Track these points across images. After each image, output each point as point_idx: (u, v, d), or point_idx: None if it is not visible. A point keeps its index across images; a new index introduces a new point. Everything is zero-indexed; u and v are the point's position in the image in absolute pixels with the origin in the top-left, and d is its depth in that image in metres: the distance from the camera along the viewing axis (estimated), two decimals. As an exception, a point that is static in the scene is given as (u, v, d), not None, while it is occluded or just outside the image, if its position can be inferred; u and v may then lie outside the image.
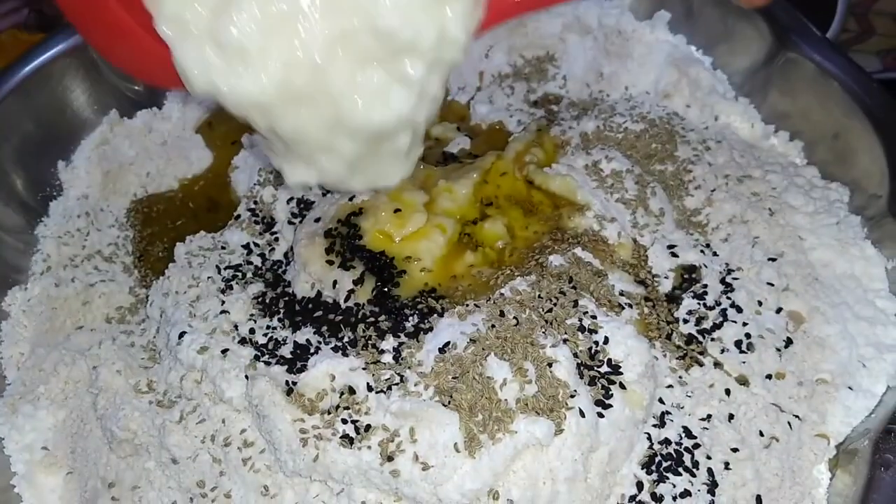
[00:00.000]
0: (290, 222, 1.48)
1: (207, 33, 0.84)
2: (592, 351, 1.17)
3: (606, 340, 1.18)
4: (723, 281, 1.36)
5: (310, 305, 1.31)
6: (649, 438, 1.17)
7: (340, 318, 1.27)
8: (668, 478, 1.14)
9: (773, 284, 1.36)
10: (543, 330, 1.15)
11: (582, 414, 1.08)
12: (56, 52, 1.72)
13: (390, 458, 1.05)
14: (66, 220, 1.68)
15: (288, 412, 1.12)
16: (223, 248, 1.46)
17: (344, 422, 1.10)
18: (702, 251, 1.41)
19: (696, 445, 1.18)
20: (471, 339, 1.13)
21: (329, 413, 1.11)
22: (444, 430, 1.05)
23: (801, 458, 1.24)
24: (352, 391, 1.12)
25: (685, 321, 1.32)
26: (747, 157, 1.61)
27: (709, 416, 1.21)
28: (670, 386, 1.23)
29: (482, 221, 1.38)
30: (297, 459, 1.10)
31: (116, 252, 1.65)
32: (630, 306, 1.28)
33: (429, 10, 0.85)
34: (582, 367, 1.14)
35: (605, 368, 1.16)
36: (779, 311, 1.34)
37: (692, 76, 1.77)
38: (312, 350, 1.21)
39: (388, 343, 1.20)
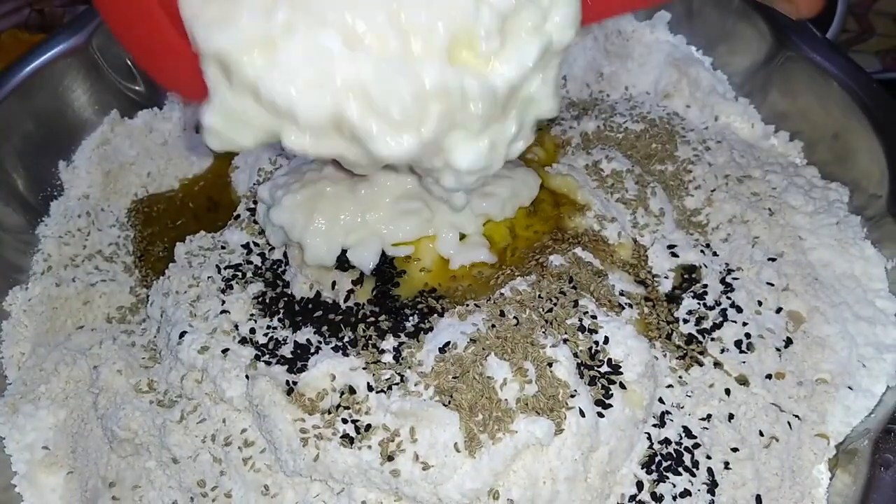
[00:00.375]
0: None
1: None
2: (592, 351, 1.17)
3: (606, 340, 1.18)
4: (723, 281, 1.36)
5: (310, 305, 1.31)
6: (649, 438, 1.18)
7: (340, 317, 1.27)
8: (668, 477, 1.15)
9: (772, 284, 1.36)
10: (543, 330, 1.16)
11: (582, 414, 1.08)
12: (57, 52, 1.72)
13: (390, 458, 1.06)
14: (67, 219, 1.68)
15: (288, 412, 1.12)
16: (223, 247, 1.46)
17: (344, 421, 1.10)
18: (702, 251, 1.41)
19: (696, 445, 1.18)
20: (471, 339, 1.14)
21: (329, 413, 1.11)
22: (445, 429, 1.05)
23: (800, 458, 1.24)
24: (352, 391, 1.13)
25: (685, 321, 1.32)
26: (747, 157, 1.61)
27: (709, 416, 1.21)
28: (670, 386, 1.24)
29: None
30: (297, 459, 1.10)
31: (117, 252, 1.65)
32: (630, 306, 1.28)
33: None
34: (582, 367, 1.15)
35: (605, 368, 1.16)
36: (779, 311, 1.34)
37: (692, 76, 1.77)
38: (313, 350, 1.21)
39: (389, 343, 1.20)
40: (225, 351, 1.23)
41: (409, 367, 1.14)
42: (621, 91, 1.85)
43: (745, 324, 1.30)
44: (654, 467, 1.15)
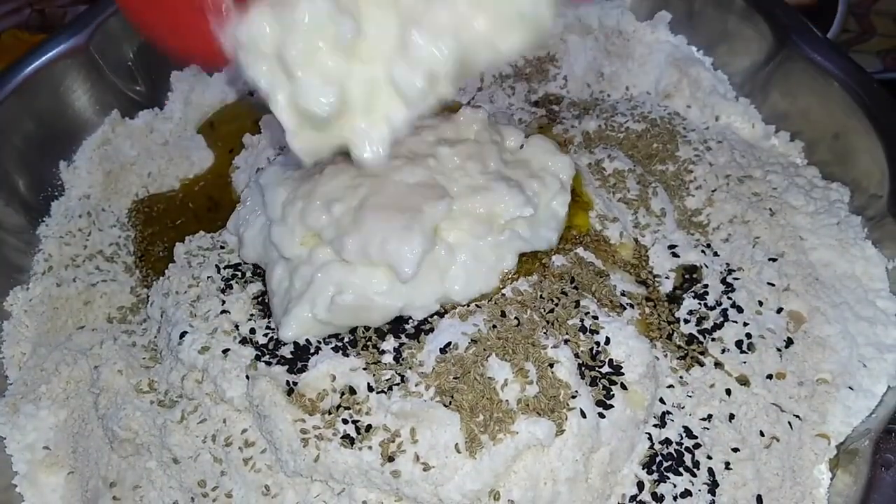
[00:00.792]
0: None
1: None
2: (594, 351, 1.17)
3: (608, 341, 1.18)
4: (723, 281, 1.36)
5: (310, 305, 1.31)
6: (650, 438, 1.18)
7: (341, 318, 1.27)
8: (668, 478, 1.15)
9: (773, 284, 1.36)
10: (545, 330, 1.16)
11: (583, 414, 1.08)
12: (58, 52, 1.72)
13: (391, 459, 1.06)
14: (68, 219, 1.68)
15: (289, 412, 1.12)
16: (222, 247, 1.46)
17: (345, 422, 1.10)
18: (702, 251, 1.41)
19: (697, 445, 1.18)
20: (472, 340, 1.14)
21: (330, 413, 1.12)
22: (445, 430, 1.05)
23: (801, 458, 1.24)
24: (352, 391, 1.13)
25: (686, 321, 1.32)
26: (748, 157, 1.61)
27: (709, 416, 1.21)
28: (671, 386, 1.24)
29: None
30: (297, 459, 1.10)
31: (118, 252, 1.65)
32: (631, 306, 1.28)
33: None
34: (583, 368, 1.15)
35: (606, 369, 1.16)
36: (779, 311, 1.34)
37: (693, 76, 1.77)
38: (313, 350, 1.21)
39: (389, 343, 1.20)
40: (225, 351, 1.23)
41: (410, 368, 1.14)
42: (622, 91, 1.85)
43: (745, 324, 1.30)
44: (654, 467, 1.15)
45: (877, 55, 2.18)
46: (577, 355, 1.15)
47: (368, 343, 1.20)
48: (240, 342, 1.25)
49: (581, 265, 1.30)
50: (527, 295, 1.22)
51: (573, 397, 1.09)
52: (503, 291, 1.23)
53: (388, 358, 1.18)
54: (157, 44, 1.06)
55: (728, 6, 1.78)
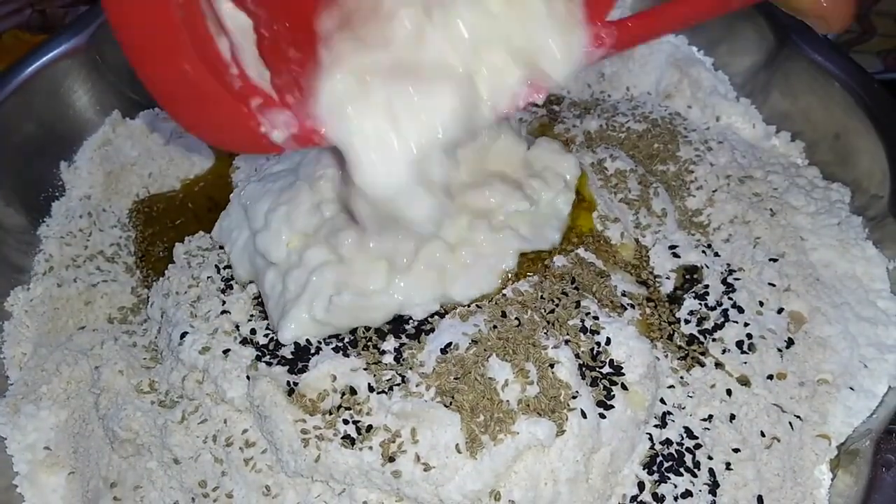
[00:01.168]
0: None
1: None
2: (594, 352, 1.17)
3: (608, 341, 1.18)
4: (724, 281, 1.36)
5: (310, 305, 1.31)
6: (651, 439, 1.17)
7: (341, 318, 1.27)
8: (669, 478, 1.14)
9: (774, 285, 1.36)
10: (545, 331, 1.15)
11: (584, 415, 1.08)
12: (58, 52, 1.72)
13: (392, 459, 1.06)
14: (69, 220, 1.68)
15: (289, 412, 1.12)
16: (221, 248, 1.46)
17: (345, 422, 1.10)
18: (703, 252, 1.41)
19: (698, 446, 1.18)
20: (472, 340, 1.14)
21: (330, 413, 1.12)
22: (446, 430, 1.05)
23: (802, 459, 1.24)
24: (353, 392, 1.13)
25: (686, 322, 1.32)
26: (749, 157, 1.61)
27: (710, 417, 1.21)
28: (672, 386, 1.24)
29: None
30: (298, 460, 1.10)
31: (118, 252, 1.65)
32: (632, 307, 1.28)
33: None
34: (584, 368, 1.14)
35: (606, 369, 1.16)
36: (780, 311, 1.34)
37: (693, 77, 1.78)
38: (313, 350, 1.21)
39: (389, 344, 1.20)
40: (226, 351, 1.23)
41: (411, 368, 1.14)
42: (623, 91, 1.85)
43: (746, 324, 1.30)
44: (655, 468, 1.15)
45: (877, 55, 2.17)
46: (577, 356, 1.15)
47: (369, 343, 1.20)
48: (240, 342, 1.25)
49: (582, 265, 1.30)
50: (527, 295, 1.22)
51: (574, 398, 1.09)
52: (504, 292, 1.23)
53: (388, 358, 1.18)
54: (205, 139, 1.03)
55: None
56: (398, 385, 1.12)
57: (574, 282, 1.26)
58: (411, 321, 1.22)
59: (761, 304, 1.34)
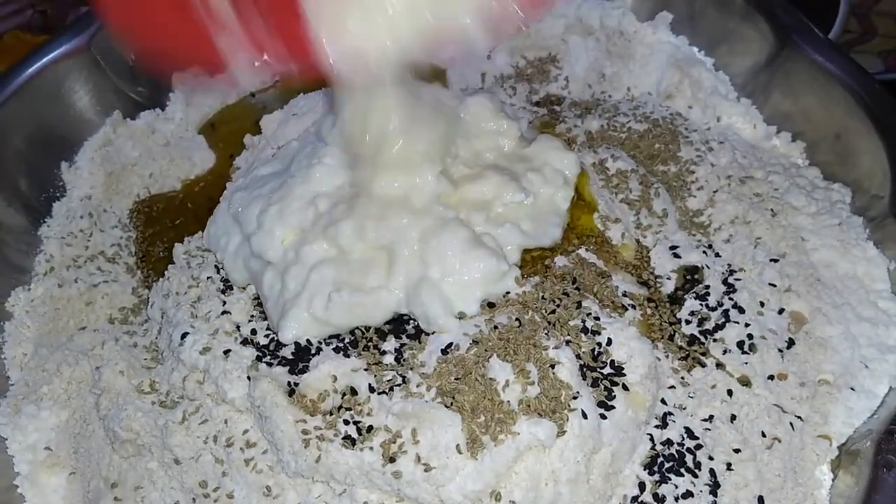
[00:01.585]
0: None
1: None
2: (595, 352, 1.17)
3: (609, 342, 1.18)
4: (725, 282, 1.36)
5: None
6: (651, 439, 1.17)
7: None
8: (670, 478, 1.14)
9: (775, 285, 1.36)
10: (546, 331, 1.15)
11: (584, 415, 1.08)
12: (59, 53, 1.73)
13: (392, 460, 1.06)
14: (70, 220, 1.68)
15: (290, 413, 1.12)
16: (218, 250, 1.46)
17: (346, 423, 1.10)
18: (704, 252, 1.41)
19: (699, 446, 1.18)
20: (473, 341, 1.14)
21: (331, 414, 1.12)
22: (447, 431, 1.05)
23: (803, 459, 1.24)
24: (353, 392, 1.13)
25: (687, 322, 1.32)
26: (749, 157, 1.61)
27: (711, 417, 1.21)
28: (672, 387, 1.24)
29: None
30: (299, 460, 1.10)
31: (119, 253, 1.65)
32: (633, 307, 1.28)
33: None
34: (584, 369, 1.14)
35: (607, 370, 1.16)
36: (781, 311, 1.34)
37: (694, 77, 1.77)
38: (314, 351, 1.21)
39: (390, 344, 1.20)
40: (227, 352, 1.23)
41: (411, 369, 1.14)
42: (623, 92, 1.85)
43: (747, 325, 1.30)
44: (656, 468, 1.15)
45: (878, 56, 2.17)
46: (578, 356, 1.15)
47: (369, 344, 1.20)
48: (241, 343, 1.25)
49: (583, 266, 1.30)
50: (528, 296, 1.22)
51: (574, 398, 1.09)
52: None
53: (389, 358, 1.18)
54: (147, 51, 1.05)
55: (729, 7, 1.78)
56: (399, 385, 1.12)
57: (575, 282, 1.26)
58: (412, 321, 1.22)
59: (762, 304, 1.34)
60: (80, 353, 1.41)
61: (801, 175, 1.60)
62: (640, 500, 1.13)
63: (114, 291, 1.56)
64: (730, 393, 1.24)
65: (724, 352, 1.28)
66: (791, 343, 1.31)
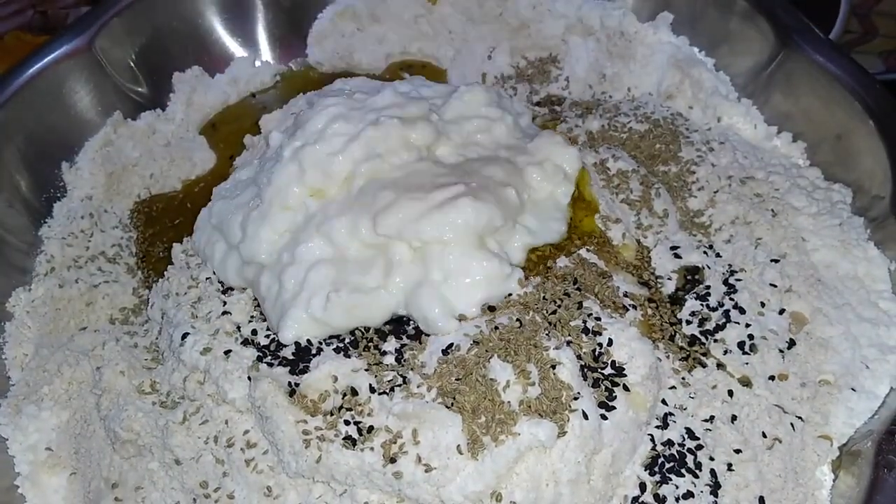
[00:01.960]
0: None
1: None
2: (596, 353, 1.17)
3: (610, 342, 1.18)
4: (725, 282, 1.36)
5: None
6: (652, 440, 1.17)
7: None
8: (670, 479, 1.14)
9: (775, 286, 1.36)
10: (547, 332, 1.15)
11: (585, 416, 1.08)
12: (60, 53, 1.73)
13: (393, 460, 1.06)
14: (70, 221, 1.68)
15: (290, 413, 1.12)
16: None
17: (346, 423, 1.10)
18: (705, 252, 1.41)
19: (699, 446, 1.18)
20: (474, 341, 1.14)
21: (331, 414, 1.12)
22: (447, 431, 1.05)
23: (803, 460, 1.24)
24: (354, 392, 1.13)
25: (688, 322, 1.32)
26: (750, 158, 1.61)
27: (711, 418, 1.21)
28: (673, 387, 1.23)
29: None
30: (299, 460, 1.10)
31: (120, 253, 1.65)
32: (634, 308, 1.28)
33: None
34: (585, 369, 1.14)
35: (608, 370, 1.16)
36: (781, 312, 1.34)
37: (695, 77, 1.77)
38: (314, 351, 1.21)
39: (391, 344, 1.20)
40: (227, 352, 1.23)
41: (412, 369, 1.14)
42: (624, 92, 1.85)
43: (747, 325, 1.30)
44: (656, 469, 1.15)
45: (879, 56, 2.17)
46: (579, 357, 1.15)
47: (370, 344, 1.20)
48: (241, 343, 1.25)
49: (584, 266, 1.30)
50: (529, 296, 1.22)
51: (575, 399, 1.09)
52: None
53: (389, 359, 1.18)
54: None
55: (730, 7, 1.78)
56: (399, 386, 1.12)
57: (576, 282, 1.26)
58: (412, 322, 1.22)
59: (763, 304, 1.34)
60: (81, 354, 1.41)
61: (801, 175, 1.60)
62: (640, 500, 1.13)
63: (114, 292, 1.56)
64: (730, 393, 1.24)
65: (725, 352, 1.28)
66: (792, 343, 1.31)
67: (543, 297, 1.22)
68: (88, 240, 1.66)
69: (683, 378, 1.25)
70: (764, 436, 1.22)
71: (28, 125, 1.68)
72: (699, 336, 1.30)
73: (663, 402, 1.21)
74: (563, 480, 1.07)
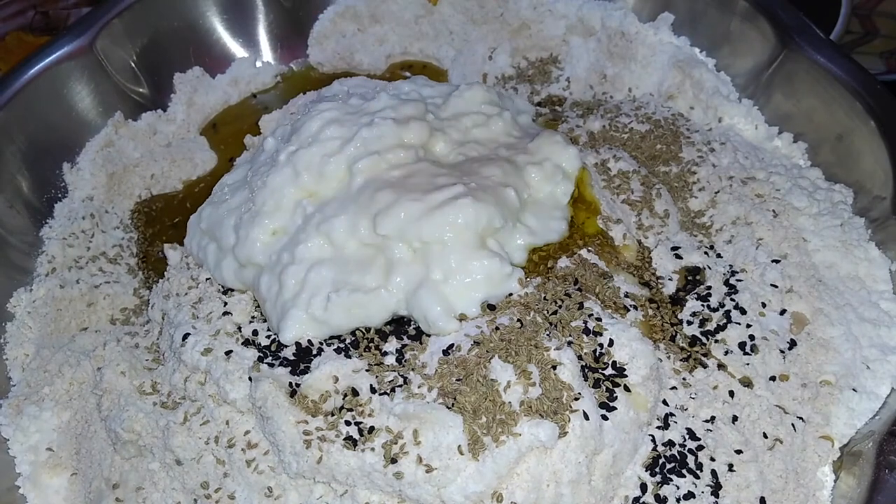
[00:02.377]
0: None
1: None
2: (597, 353, 1.17)
3: (611, 343, 1.18)
4: (726, 283, 1.36)
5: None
6: (653, 440, 1.17)
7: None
8: (671, 479, 1.14)
9: (776, 286, 1.36)
10: (548, 332, 1.15)
11: (586, 416, 1.08)
12: (61, 54, 1.73)
13: (394, 461, 1.06)
14: (71, 221, 1.68)
15: (291, 414, 1.12)
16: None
17: (347, 424, 1.10)
18: (706, 253, 1.41)
19: (700, 447, 1.18)
20: (475, 342, 1.14)
21: (332, 415, 1.12)
22: (448, 432, 1.05)
23: (804, 460, 1.24)
24: (355, 393, 1.13)
25: (689, 323, 1.32)
26: (751, 158, 1.61)
27: (712, 418, 1.21)
28: (674, 388, 1.23)
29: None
30: (300, 461, 1.10)
31: (121, 254, 1.66)
32: (635, 308, 1.28)
33: None
34: (586, 370, 1.14)
35: (609, 371, 1.16)
36: (783, 312, 1.34)
37: (696, 78, 1.77)
38: (315, 352, 1.21)
39: (391, 345, 1.20)
40: (228, 353, 1.23)
41: (413, 370, 1.14)
42: (625, 93, 1.85)
43: (748, 325, 1.30)
44: (657, 469, 1.15)
45: (880, 56, 2.17)
46: (580, 357, 1.15)
47: (371, 344, 1.20)
48: (242, 344, 1.25)
49: (585, 267, 1.30)
50: (530, 297, 1.22)
51: (576, 399, 1.09)
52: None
53: (390, 359, 1.18)
54: None
55: (731, 7, 1.78)
56: (400, 386, 1.12)
57: (577, 283, 1.26)
58: (412, 322, 1.22)
59: (764, 305, 1.34)
60: (82, 354, 1.41)
61: (802, 176, 1.60)
62: (641, 501, 1.13)
63: (115, 292, 1.57)
64: (731, 394, 1.24)
65: (726, 353, 1.28)
66: (793, 344, 1.31)
67: (544, 298, 1.22)
68: (89, 240, 1.66)
69: (684, 378, 1.25)
70: (765, 436, 1.22)
71: (29, 126, 1.69)
72: (700, 336, 1.30)
73: (664, 402, 1.21)
74: (564, 481, 1.07)
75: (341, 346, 1.21)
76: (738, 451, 1.19)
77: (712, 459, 1.17)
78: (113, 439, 1.27)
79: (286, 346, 1.23)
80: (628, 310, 1.27)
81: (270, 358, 1.21)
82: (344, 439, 1.08)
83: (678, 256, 1.40)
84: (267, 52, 2.05)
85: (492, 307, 1.20)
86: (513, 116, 1.49)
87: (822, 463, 1.25)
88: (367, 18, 2.04)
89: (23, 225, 1.66)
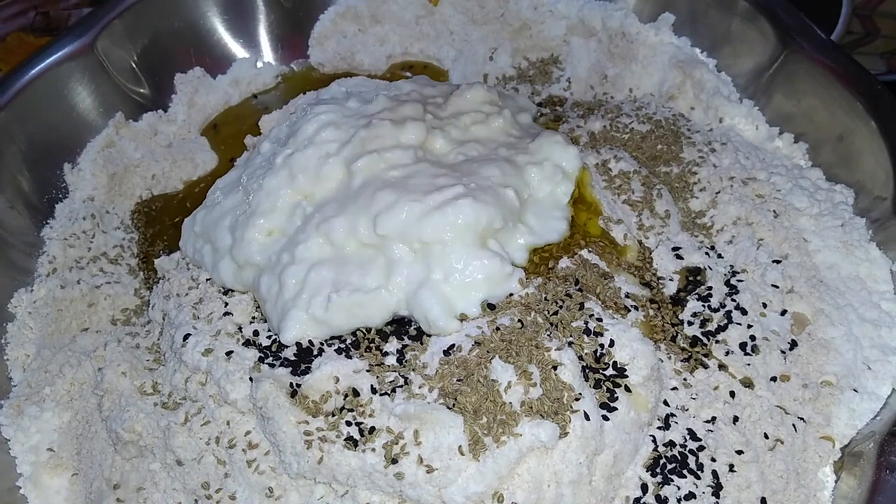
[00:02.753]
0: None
1: None
2: (598, 354, 1.17)
3: (612, 343, 1.18)
4: (727, 283, 1.36)
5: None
6: (654, 441, 1.17)
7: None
8: (672, 480, 1.14)
9: (777, 286, 1.36)
10: (549, 333, 1.15)
11: (587, 417, 1.08)
12: (62, 54, 1.73)
13: (394, 461, 1.06)
14: (72, 222, 1.68)
15: (292, 414, 1.12)
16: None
17: (348, 424, 1.10)
18: (706, 253, 1.41)
19: (701, 448, 1.18)
20: (475, 342, 1.14)
21: (333, 415, 1.12)
22: (449, 432, 1.05)
23: (805, 461, 1.24)
24: (356, 393, 1.13)
25: (690, 323, 1.32)
26: (752, 158, 1.61)
27: (713, 419, 1.21)
28: (675, 388, 1.23)
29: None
30: (301, 461, 1.10)
31: (122, 254, 1.66)
32: (636, 308, 1.28)
33: None
34: (587, 370, 1.14)
35: (610, 371, 1.16)
36: (783, 313, 1.34)
37: (696, 78, 1.77)
38: (316, 352, 1.21)
39: (392, 345, 1.20)
40: (229, 353, 1.23)
41: (413, 370, 1.14)
42: (625, 93, 1.85)
43: (749, 326, 1.30)
44: (658, 470, 1.15)
45: (881, 57, 2.17)
46: (581, 357, 1.15)
47: (371, 345, 1.20)
48: (243, 344, 1.25)
49: (585, 267, 1.30)
50: (531, 297, 1.22)
51: (577, 399, 1.09)
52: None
53: (391, 360, 1.18)
54: None
55: (732, 8, 1.78)
56: (401, 387, 1.12)
57: (578, 283, 1.26)
58: (413, 322, 1.22)
59: (765, 305, 1.34)
60: (83, 355, 1.41)
61: (803, 176, 1.60)
62: (642, 501, 1.13)
63: (116, 293, 1.57)
64: (732, 394, 1.24)
65: (727, 353, 1.28)
66: (793, 344, 1.31)
67: (545, 298, 1.22)
68: (90, 241, 1.66)
69: (685, 379, 1.25)
70: (766, 437, 1.22)
71: (30, 126, 1.69)
72: (701, 337, 1.30)
73: (665, 402, 1.21)
74: (565, 481, 1.07)
75: (342, 346, 1.21)
76: (739, 452, 1.19)
77: (713, 460, 1.17)
78: (114, 440, 1.27)
79: (287, 347, 1.23)
80: (629, 310, 1.27)
81: (271, 358, 1.21)
82: (345, 440, 1.08)
83: (679, 257, 1.40)
84: (268, 53, 2.05)
85: (492, 307, 1.20)
86: (513, 115, 1.49)
87: (823, 463, 1.25)
88: (367, 19, 2.04)
89: (24, 225, 1.66)
